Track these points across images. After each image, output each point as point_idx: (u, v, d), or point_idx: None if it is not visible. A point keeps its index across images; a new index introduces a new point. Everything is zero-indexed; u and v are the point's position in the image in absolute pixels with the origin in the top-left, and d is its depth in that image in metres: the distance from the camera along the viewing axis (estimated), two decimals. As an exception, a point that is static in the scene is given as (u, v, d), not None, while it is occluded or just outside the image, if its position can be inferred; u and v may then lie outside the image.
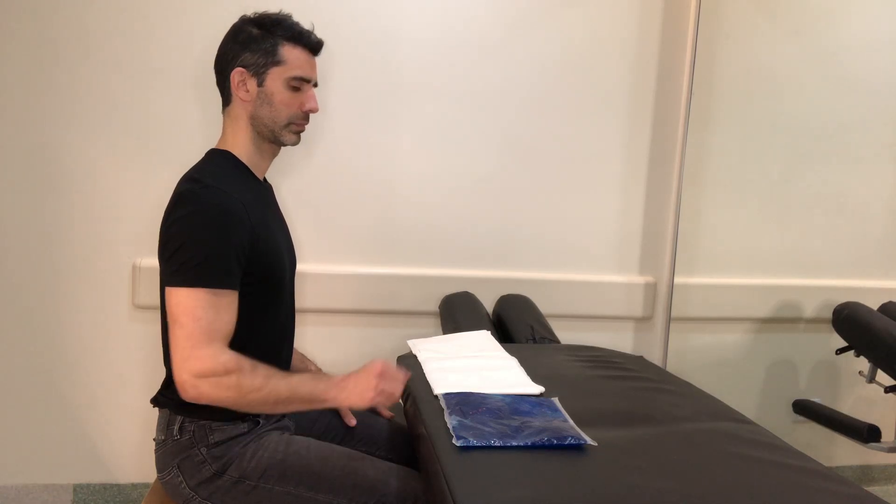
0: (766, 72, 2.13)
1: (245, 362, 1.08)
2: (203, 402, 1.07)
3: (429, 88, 1.94)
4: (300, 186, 1.90)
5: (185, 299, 1.07)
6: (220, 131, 1.27)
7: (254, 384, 1.07)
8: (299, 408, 1.13)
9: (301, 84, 1.23)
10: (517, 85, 1.98)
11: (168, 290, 1.09)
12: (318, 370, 1.52)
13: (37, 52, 1.74)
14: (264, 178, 1.34)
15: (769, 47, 2.12)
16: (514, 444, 0.99)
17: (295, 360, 1.47)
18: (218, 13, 1.79)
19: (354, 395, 1.14)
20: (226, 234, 1.10)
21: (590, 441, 1.01)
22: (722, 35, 2.09)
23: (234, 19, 1.26)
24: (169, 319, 1.09)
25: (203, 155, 1.25)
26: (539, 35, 1.98)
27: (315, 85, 1.28)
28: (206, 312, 1.07)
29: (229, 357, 1.07)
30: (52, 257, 1.81)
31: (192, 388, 1.05)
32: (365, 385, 1.15)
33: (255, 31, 1.20)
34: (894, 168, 2.18)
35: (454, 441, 0.99)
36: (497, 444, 0.99)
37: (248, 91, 1.20)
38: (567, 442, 1.00)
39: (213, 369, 1.05)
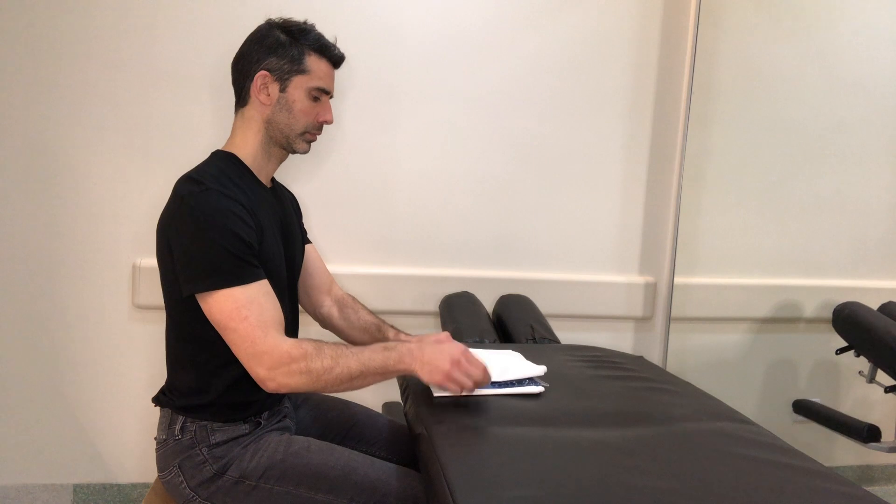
0: (766, 72, 2.13)
1: (308, 346, 1.08)
2: (284, 391, 1.09)
3: (429, 88, 1.94)
4: (300, 187, 1.90)
5: (223, 303, 1.07)
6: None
7: (324, 365, 1.08)
8: (375, 381, 1.13)
9: (321, 95, 1.25)
10: (517, 85, 1.99)
11: (200, 297, 1.09)
12: (397, 334, 1.46)
13: (38, 52, 1.74)
14: (273, 182, 1.34)
15: (769, 47, 2.12)
16: (482, 391, 1.16)
17: (369, 326, 1.47)
18: (220, 15, 1.79)
19: (426, 371, 1.11)
20: (236, 232, 1.11)
21: (544, 383, 1.22)
22: (722, 35, 2.09)
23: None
24: (218, 327, 1.09)
25: (203, 155, 1.25)
26: (539, 35, 1.98)
27: (331, 97, 1.29)
28: (250, 310, 1.08)
29: (291, 345, 1.08)
30: (53, 257, 1.82)
31: (270, 381, 1.07)
32: (439, 364, 1.10)
33: (282, 36, 1.21)
34: (894, 168, 2.18)
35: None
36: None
37: (268, 95, 1.22)
38: (526, 384, 1.20)
39: (279, 360, 1.06)
